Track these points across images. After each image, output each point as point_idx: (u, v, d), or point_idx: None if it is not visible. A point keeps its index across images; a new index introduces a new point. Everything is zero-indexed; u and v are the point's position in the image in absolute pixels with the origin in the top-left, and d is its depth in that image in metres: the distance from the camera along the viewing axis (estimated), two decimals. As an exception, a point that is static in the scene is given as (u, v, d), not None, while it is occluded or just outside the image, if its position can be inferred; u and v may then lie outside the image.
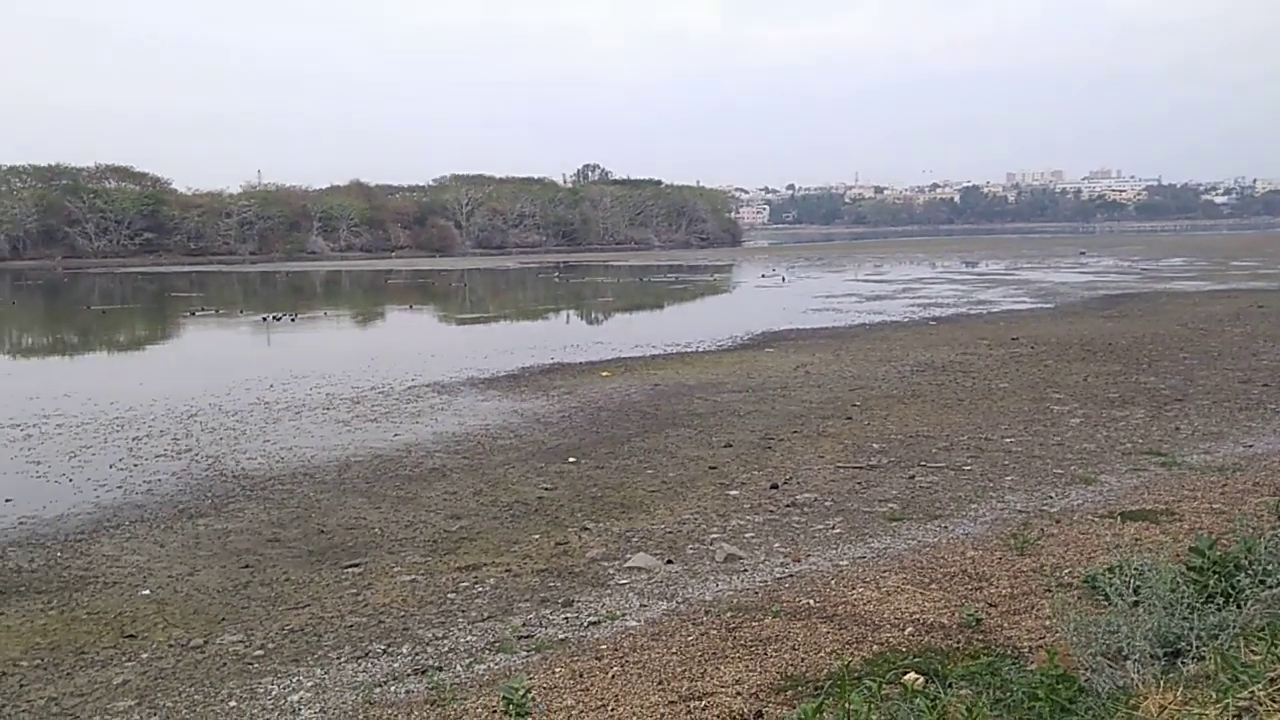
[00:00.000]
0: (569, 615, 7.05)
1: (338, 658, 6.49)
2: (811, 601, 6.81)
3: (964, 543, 8.17)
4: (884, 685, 4.46)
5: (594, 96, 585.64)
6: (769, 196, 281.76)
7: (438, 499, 10.62)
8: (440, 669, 6.18)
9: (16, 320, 39.97)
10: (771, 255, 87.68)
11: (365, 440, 13.86)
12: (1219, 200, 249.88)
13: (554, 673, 5.84)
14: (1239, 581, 5.01)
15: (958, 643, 5.77)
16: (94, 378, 22.74)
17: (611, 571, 8.03)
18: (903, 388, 16.81)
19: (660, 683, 5.53)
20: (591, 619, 6.93)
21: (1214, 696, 3.58)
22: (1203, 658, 4.25)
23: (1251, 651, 4.03)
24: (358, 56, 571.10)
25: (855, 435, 13.05)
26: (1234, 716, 3.43)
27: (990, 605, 6.45)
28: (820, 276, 56.20)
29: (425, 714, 5.47)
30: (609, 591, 7.54)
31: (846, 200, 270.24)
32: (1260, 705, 3.44)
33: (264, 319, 35.32)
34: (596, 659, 6.03)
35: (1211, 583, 5.06)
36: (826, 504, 9.83)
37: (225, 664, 6.50)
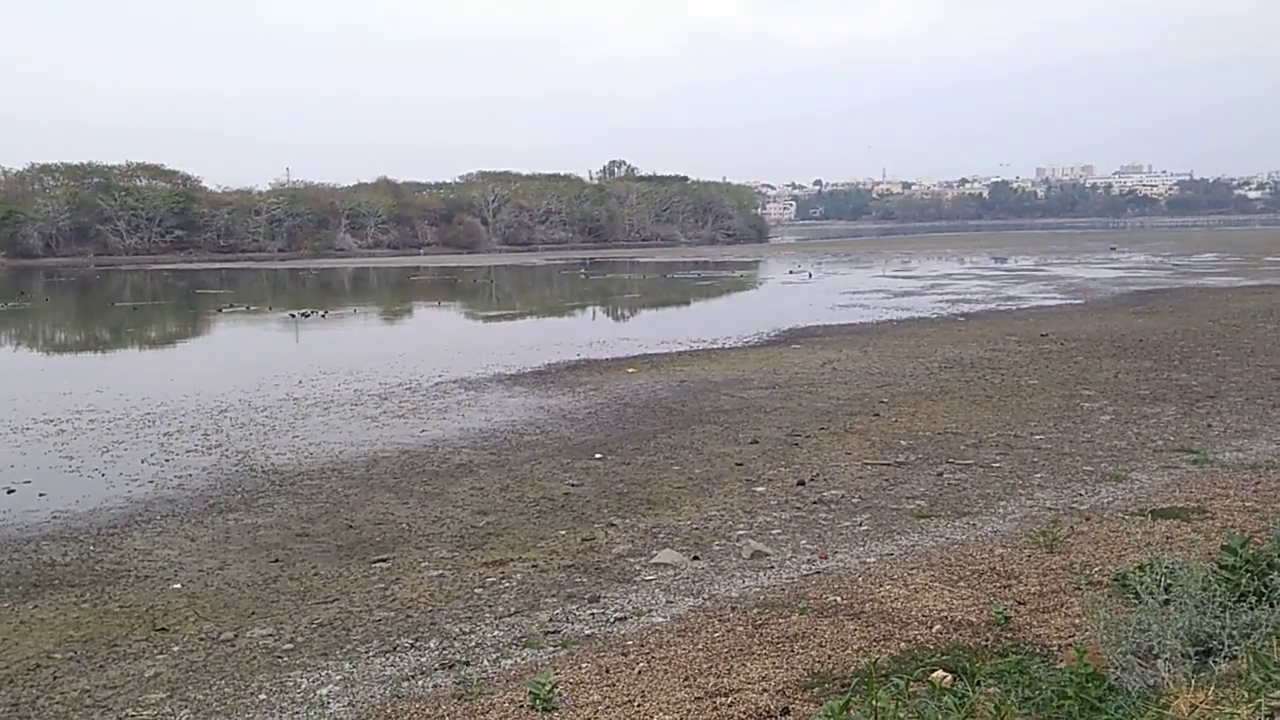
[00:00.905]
0: (595, 611, 7.07)
1: (366, 652, 6.54)
2: (839, 598, 6.79)
3: (993, 540, 8.12)
4: (911, 683, 4.45)
5: (621, 93, 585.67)
6: (795, 192, 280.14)
7: (465, 494, 10.67)
8: (467, 664, 6.21)
9: (49, 317, 40.44)
10: (798, 251, 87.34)
11: (393, 436, 13.95)
12: (1252, 195, 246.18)
13: (580, 668, 5.86)
14: (1272, 580, 4.95)
15: (986, 640, 5.74)
16: (125, 373, 23.00)
17: (638, 568, 8.04)
18: (931, 384, 16.72)
19: (686, 679, 5.53)
20: (618, 615, 6.95)
21: (1246, 696, 3.55)
22: (1234, 657, 4.21)
23: (1284, 651, 3.98)
24: (387, 54, 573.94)
25: (883, 432, 13.00)
26: (1266, 716, 3.40)
27: (1019, 603, 6.41)
28: (848, 272, 55.93)
29: (452, 708, 5.50)
30: (635, 587, 7.55)
31: (874, 196, 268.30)
32: (1293, 705, 3.41)
33: (292, 315, 35.54)
34: (623, 655, 6.05)
35: (1244, 581, 5.01)
36: (854, 501, 9.80)
37: (255, 657, 6.56)
